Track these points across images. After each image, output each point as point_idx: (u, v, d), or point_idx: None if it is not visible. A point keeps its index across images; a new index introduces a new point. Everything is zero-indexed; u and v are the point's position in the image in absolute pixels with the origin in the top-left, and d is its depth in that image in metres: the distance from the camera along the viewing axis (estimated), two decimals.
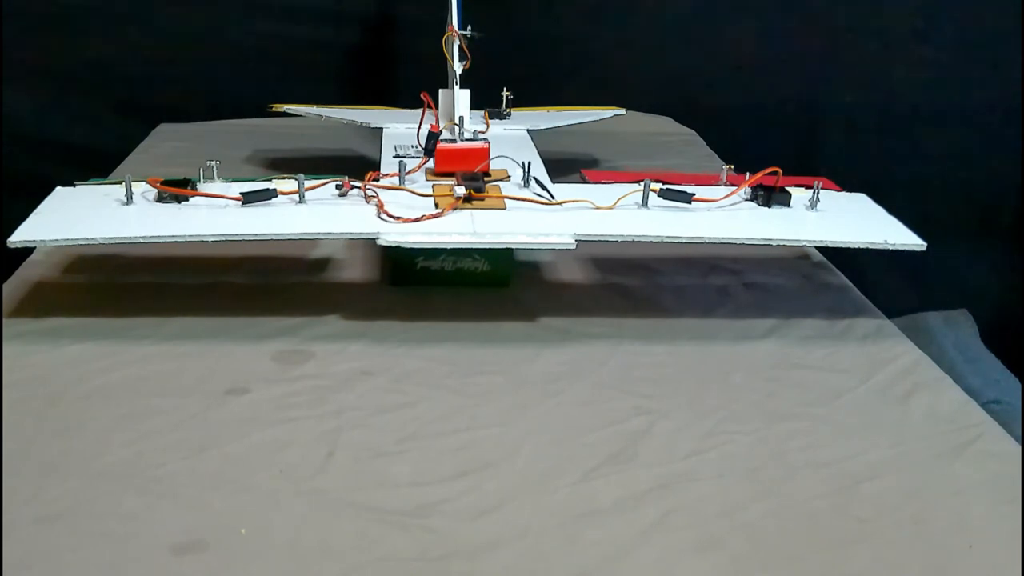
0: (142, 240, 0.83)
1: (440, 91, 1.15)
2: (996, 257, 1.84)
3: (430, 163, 0.99)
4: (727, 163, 1.00)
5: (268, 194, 0.89)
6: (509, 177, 0.98)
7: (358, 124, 1.26)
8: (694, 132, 1.61)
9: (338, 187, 0.91)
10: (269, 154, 1.39)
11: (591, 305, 0.93)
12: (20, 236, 0.82)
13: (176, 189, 0.89)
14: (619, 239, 0.86)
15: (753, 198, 0.95)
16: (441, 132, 1.01)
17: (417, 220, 0.85)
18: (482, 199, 0.90)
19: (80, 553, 0.57)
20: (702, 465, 0.69)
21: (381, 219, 0.86)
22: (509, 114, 1.27)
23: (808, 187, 0.95)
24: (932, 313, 1.75)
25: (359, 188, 0.91)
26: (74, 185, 0.93)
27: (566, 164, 1.21)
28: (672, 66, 1.75)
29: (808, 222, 0.92)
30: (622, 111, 1.37)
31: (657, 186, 0.92)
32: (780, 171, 0.93)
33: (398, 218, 0.85)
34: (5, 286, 0.92)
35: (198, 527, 0.60)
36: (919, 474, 0.69)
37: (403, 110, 1.27)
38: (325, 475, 0.66)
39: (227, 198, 0.88)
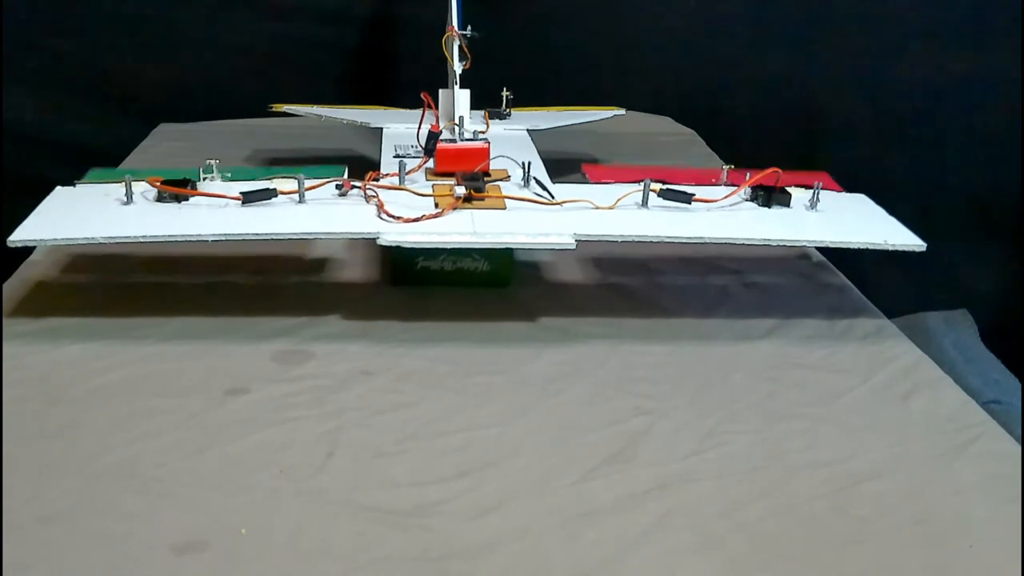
0: (142, 239, 0.82)
1: (440, 91, 1.15)
2: (996, 257, 1.84)
3: (430, 163, 0.99)
4: (727, 163, 1.00)
5: (268, 194, 0.89)
6: (509, 177, 0.98)
7: (358, 124, 1.26)
8: (694, 132, 1.61)
9: (338, 187, 0.91)
10: (269, 154, 1.39)
11: (591, 305, 0.93)
12: (20, 236, 0.82)
13: (176, 188, 0.89)
14: (619, 239, 0.86)
15: (753, 198, 0.95)
16: (441, 132, 1.01)
17: (417, 220, 0.85)
18: (482, 199, 0.90)
19: (80, 553, 0.57)
20: (702, 465, 0.69)
21: (381, 219, 0.86)
22: (509, 114, 1.27)
23: (808, 186, 0.95)
24: (932, 313, 1.75)
25: (359, 188, 0.91)
26: (74, 185, 0.93)
27: (566, 164, 1.21)
28: (672, 66, 1.75)
29: (808, 222, 0.92)
30: (622, 111, 1.37)
31: (657, 186, 0.92)
32: (780, 171, 0.93)
33: (398, 218, 0.85)
34: (5, 286, 0.92)
35: (198, 527, 0.60)
36: (919, 474, 0.69)
37: (403, 110, 1.27)
38: (325, 475, 0.66)
39: (227, 197, 0.88)
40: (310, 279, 0.98)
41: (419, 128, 1.08)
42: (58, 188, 0.92)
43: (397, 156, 1.05)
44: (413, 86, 1.12)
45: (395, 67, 1.72)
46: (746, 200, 0.95)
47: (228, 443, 0.69)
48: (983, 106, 1.75)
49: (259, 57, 1.69)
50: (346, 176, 0.93)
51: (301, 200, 0.89)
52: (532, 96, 1.31)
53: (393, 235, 0.83)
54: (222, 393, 0.75)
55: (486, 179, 0.95)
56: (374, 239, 0.83)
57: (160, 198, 0.89)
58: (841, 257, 1.02)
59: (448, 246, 0.86)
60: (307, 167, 0.93)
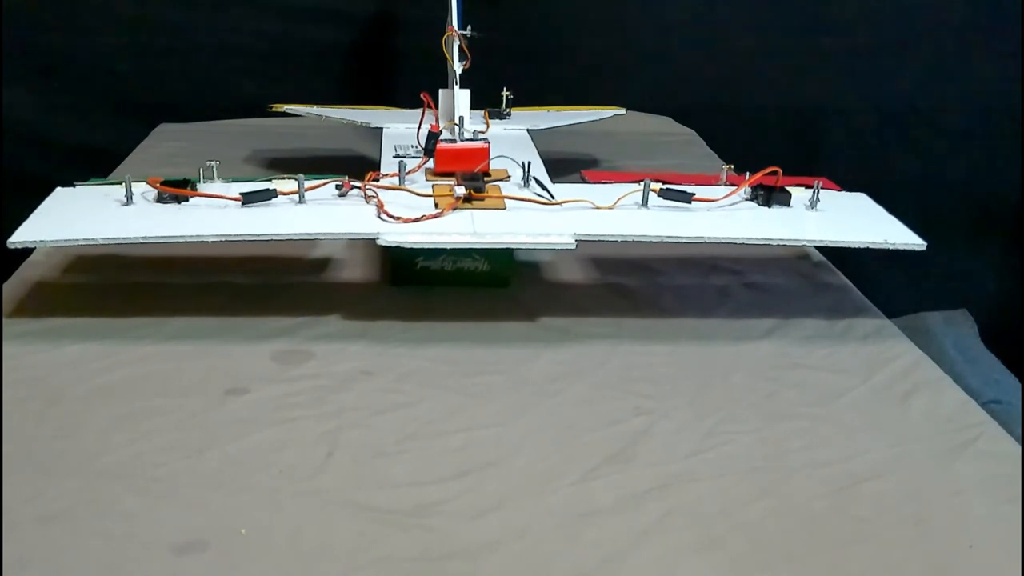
0: (142, 240, 0.82)
1: (440, 91, 1.15)
2: (996, 257, 1.85)
3: (430, 163, 0.99)
4: (727, 163, 1.00)
5: (268, 194, 0.89)
6: (509, 177, 0.98)
7: (358, 124, 1.26)
8: (694, 132, 1.61)
9: (338, 187, 0.91)
10: (269, 154, 1.39)
11: (591, 305, 0.93)
12: (20, 237, 0.82)
13: (176, 189, 0.89)
14: (619, 239, 0.86)
15: (753, 198, 0.95)
16: (441, 132, 1.01)
17: (417, 220, 0.85)
18: (482, 199, 0.90)
19: (80, 553, 0.57)
20: (702, 465, 0.69)
21: (381, 219, 0.86)
22: (509, 114, 1.27)
23: (808, 187, 0.95)
24: (932, 313, 1.75)
25: (359, 188, 0.91)
26: (74, 185, 0.93)
27: (566, 164, 1.21)
28: (672, 66, 1.75)
29: (808, 222, 0.92)
30: (622, 111, 1.37)
31: (657, 186, 0.92)
32: (780, 171, 0.93)
33: (398, 218, 0.85)
34: (5, 286, 0.92)
35: (198, 527, 0.60)
36: (919, 474, 0.69)
37: (403, 110, 1.27)
38: (324, 475, 0.66)
39: (227, 198, 0.88)
40: (310, 279, 0.98)
41: (419, 128, 1.08)
42: (58, 189, 0.92)
43: (397, 156, 1.05)
44: (413, 86, 1.12)
45: (395, 67, 1.72)
46: (746, 200, 0.95)
47: (228, 443, 0.69)
48: (983, 107, 1.76)
49: (259, 57, 1.69)
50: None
51: (301, 200, 0.89)
52: (532, 96, 1.31)
53: (393, 235, 0.83)
54: (222, 393, 0.75)
55: (486, 179, 0.95)
56: (374, 239, 0.83)
57: (160, 199, 0.89)
58: (841, 257, 1.02)
59: (448, 246, 0.86)
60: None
